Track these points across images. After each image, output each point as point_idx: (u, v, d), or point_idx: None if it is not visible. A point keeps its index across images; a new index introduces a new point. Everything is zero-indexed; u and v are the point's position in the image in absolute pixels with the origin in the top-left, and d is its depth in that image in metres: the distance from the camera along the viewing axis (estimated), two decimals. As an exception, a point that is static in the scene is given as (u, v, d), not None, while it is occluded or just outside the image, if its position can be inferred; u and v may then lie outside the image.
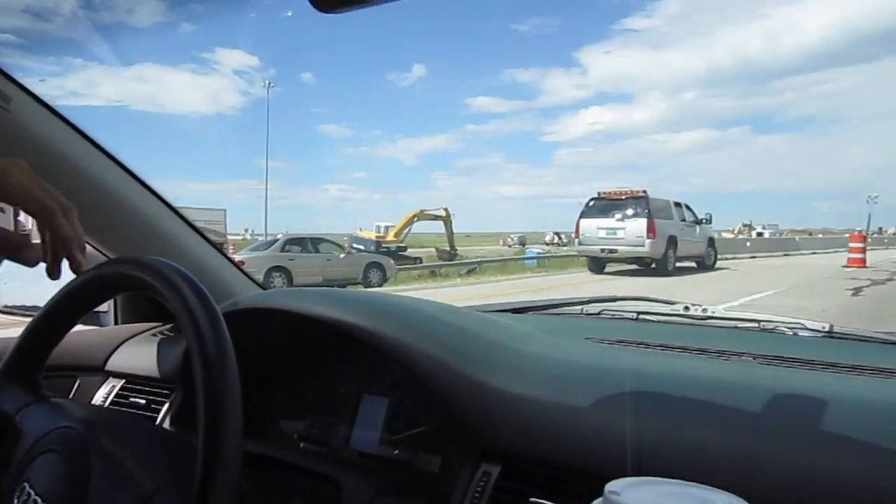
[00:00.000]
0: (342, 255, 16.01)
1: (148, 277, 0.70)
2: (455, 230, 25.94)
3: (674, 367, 0.93)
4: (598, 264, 16.77)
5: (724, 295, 10.55)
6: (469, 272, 19.53)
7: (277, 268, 14.18)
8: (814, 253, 28.82)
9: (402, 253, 26.13)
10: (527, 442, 0.79)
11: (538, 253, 24.00)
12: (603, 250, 15.98)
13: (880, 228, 70.41)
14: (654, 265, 15.97)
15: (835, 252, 27.42)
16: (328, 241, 17.09)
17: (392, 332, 0.90)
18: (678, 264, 17.09)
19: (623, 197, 16.22)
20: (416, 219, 27.26)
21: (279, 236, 17.76)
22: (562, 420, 0.79)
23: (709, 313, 1.30)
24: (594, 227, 16.22)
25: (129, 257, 0.75)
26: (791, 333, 1.20)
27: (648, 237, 15.37)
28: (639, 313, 1.36)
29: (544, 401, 0.81)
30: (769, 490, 0.65)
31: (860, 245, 19.48)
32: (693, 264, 17.96)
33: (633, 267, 16.60)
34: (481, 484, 0.79)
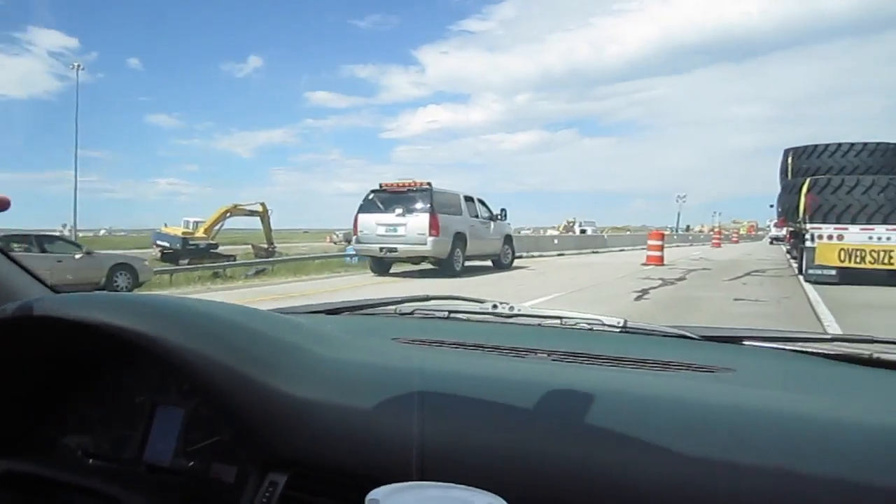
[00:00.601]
0: (78, 256, 13.28)
1: None
2: (292, 226, 23.63)
3: (465, 366, 0.94)
4: (381, 265, 14.79)
5: (506, 299, 8.73)
6: (258, 273, 17.34)
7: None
8: (622, 250, 29.03)
9: (213, 251, 24.32)
10: (316, 449, 0.78)
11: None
12: (382, 249, 14.02)
13: (688, 226, 75.45)
14: (439, 265, 14.32)
15: (642, 249, 27.97)
16: (64, 239, 14.50)
17: (175, 337, 0.86)
18: (471, 263, 15.61)
19: (405, 189, 14.31)
20: (228, 214, 25.56)
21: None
22: (352, 425, 0.78)
23: (515, 311, 1.32)
24: (373, 224, 14.16)
25: None
26: (589, 329, 1.26)
27: (431, 234, 13.60)
28: (450, 312, 1.39)
29: (336, 405, 0.80)
30: (543, 488, 0.67)
31: (658, 243, 19.15)
32: (489, 263, 16.59)
33: (429, 267, 14.85)
34: (267, 494, 0.79)
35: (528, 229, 73.30)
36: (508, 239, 17.04)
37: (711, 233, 49.09)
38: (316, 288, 12.58)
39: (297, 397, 0.82)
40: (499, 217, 16.55)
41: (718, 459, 0.65)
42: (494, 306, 1.36)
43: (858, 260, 12.50)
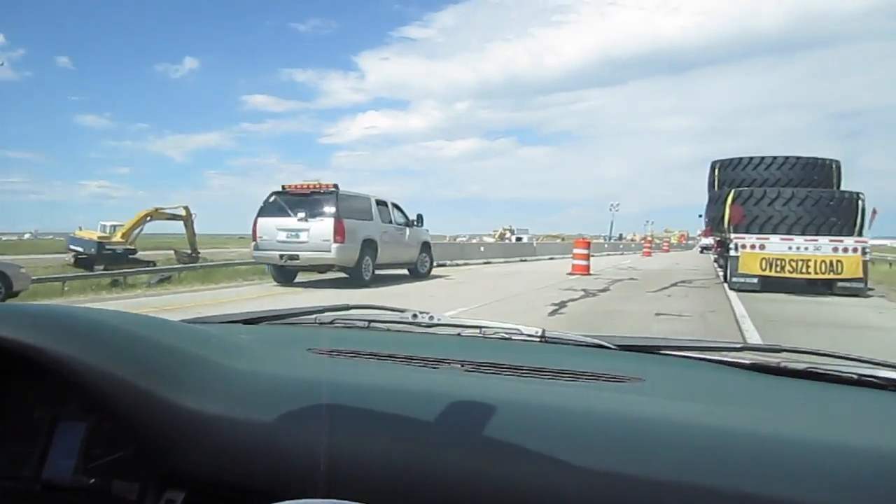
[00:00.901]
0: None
1: None
2: (229, 231, 22.06)
3: (376, 378, 0.94)
4: (284, 273, 13.51)
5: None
6: (161, 281, 15.82)
7: None
8: (551, 258, 28.37)
9: (131, 256, 22.81)
10: (216, 465, 0.76)
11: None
12: (282, 256, 12.74)
13: (621, 235, 75.95)
14: (348, 274, 13.16)
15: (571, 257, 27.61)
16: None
17: (66, 349, 0.82)
18: (385, 272, 14.50)
19: (308, 192, 13.04)
20: (149, 218, 24.18)
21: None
22: (255, 439, 0.76)
23: (435, 320, 1.32)
24: (273, 228, 12.85)
25: None
26: (509, 339, 1.26)
27: (336, 241, 12.40)
28: (370, 322, 1.38)
29: (239, 419, 0.78)
30: (444, 502, 0.67)
31: (584, 252, 18.47)
32: (405, 272, 15.51)
33: (341, 275, 13.63)
34: None
35: (464, 236, 73.09)
36: (426, 246, 15.97)
37: (643, 241, 49.37)
38: (197, 300, 11.25)
39: (198, 411, 0.78)
40: (415, 223, 15.46)
41: (614, 471, 0.65)
42: (414, 316, 1.36)
43: (779, 269, 13.04)
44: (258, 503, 0.69)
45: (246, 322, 1.38)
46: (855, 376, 0.99)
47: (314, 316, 1.44)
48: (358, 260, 12.87)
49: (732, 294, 12.56)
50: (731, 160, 15.78)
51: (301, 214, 12.65)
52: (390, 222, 14.47)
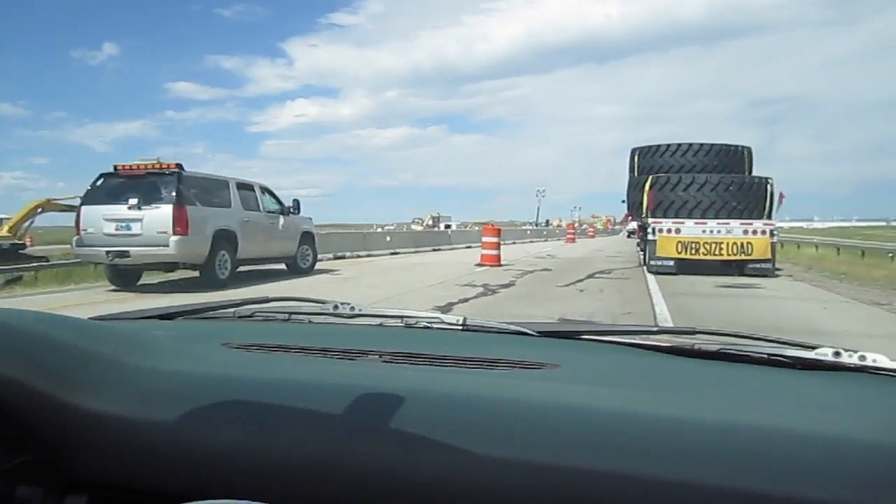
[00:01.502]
0: None
1: None
2: None
3: (288, 372, 0.91)
4: (121, 275, 10.95)
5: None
6: (9, 283, 13.00)
7: None
8: (468, 247, 26.33)
9: (20, 251, 19.87)
10: (119, 468, 0.75)
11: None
12: (109, 253, 10.18)
13: (547, 220, 74.79)
14: (199, 272, 10.79)
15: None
16: None
17: None
18: (254, 268, 12.22)
19: (144, 173, 10.49)
20: (40, 210, 20.99)
21: None
22: (160, 440, 0.74)
23: (357, 311, 1.31)
24: (100, 219, 10.30)
25: None
26: (430, 328, 1.26)
27: (176, 232, 9.99)
28: (290, 314, 1.36)
29: (143, 420, 0.76)
30: (352, 498, 0.67)
31: (493, 240, 16.53)
32: (282, 266, 13.24)
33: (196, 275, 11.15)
34: None
35: (392, 225, 71.42)
36: (307, 237, 13.65)
37: (567, 228, 48.17)
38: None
39: (97, 413, 0.75)
40: (291, 210, 13.13)
41: (522, 460, 0.65)
42: (336, 307, 1.33)
43: (694, 251, 13.72)
44: None
45: (161, 317, 1.34)
46: (765, 356, 1.00)
47: (233, 309, 1.38)
48: (209, 255, 10.49)
49: (654, 287, 10.94)
50: (650, 147, 16.25)
51: (133, 201, 10.11)
52: (258, 209, 12.11)
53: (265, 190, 12.65)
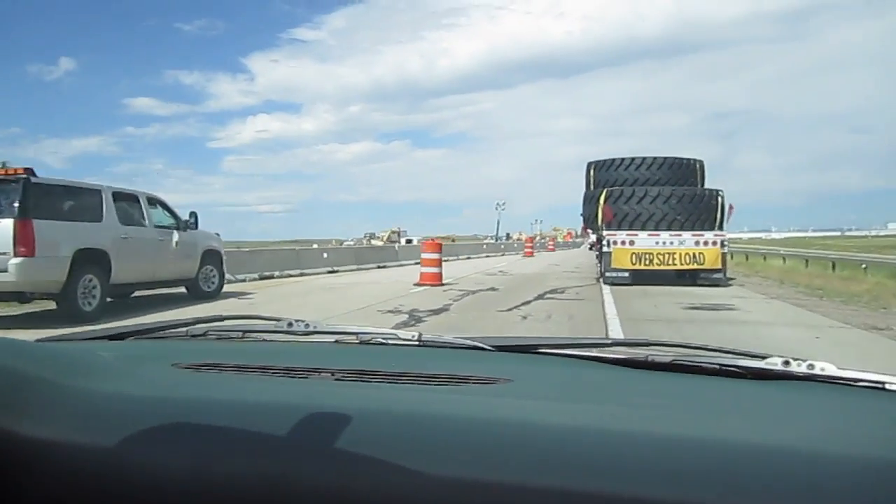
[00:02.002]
0: None
1: None
2: None
3: (237, 392, 0.90)
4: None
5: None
6: None
7: None
8: (417, 263, 24.56)
9: None
10: (57, 494, 0.73)
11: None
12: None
13: (508, 234, 72.85)
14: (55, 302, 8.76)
15: (452, 260, 23.91)
16: None
17: None
18: (146, 293, 10.25)
19: None
20: None
21: None
22: (101, 465, 0.72)
23: (311, 328, 1.28)
24: (-74, 238, 8.30)
25: None
26: (386, 344, 1.25)
27: (19, 253, 8.02)
28: (244, 332, 1.33)
29: (83, 444, 0.74)
30: None
31: (434, 257, 14.82)
32: (182, 290, 11.26)
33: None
34: None
35: (352, 241, 69.66)
36: (212, 256, 11.64)
37: (526, 241, 46.67)
38: None
39: (38, 438, 0.73)
40: (190, 224, 11.15)
41: (470, 478, 0.65)
42: (290, 324, 1.30)
43: (647, 262, 14.03)
44: None
45: (111, 338, 1.29)
46: (717, 366, 1.01)
47: (186, 329, 1.34)
48: (68, 281, 8.46)
49: (611, 310, 9.36)
50: (605, 161, 16.48)
51: (-34, 215, 8.11)
52: (143, 224, 10.12)
53: (155, 201, 10.66)
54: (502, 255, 36.85)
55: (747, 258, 25.81)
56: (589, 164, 16.96)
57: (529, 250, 36.41)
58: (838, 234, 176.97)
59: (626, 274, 13.90)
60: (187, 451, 0.72)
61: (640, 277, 13.88)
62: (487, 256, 34.18)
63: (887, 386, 0.91)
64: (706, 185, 16.20)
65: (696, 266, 13.91)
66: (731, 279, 15.04)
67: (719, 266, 13.96)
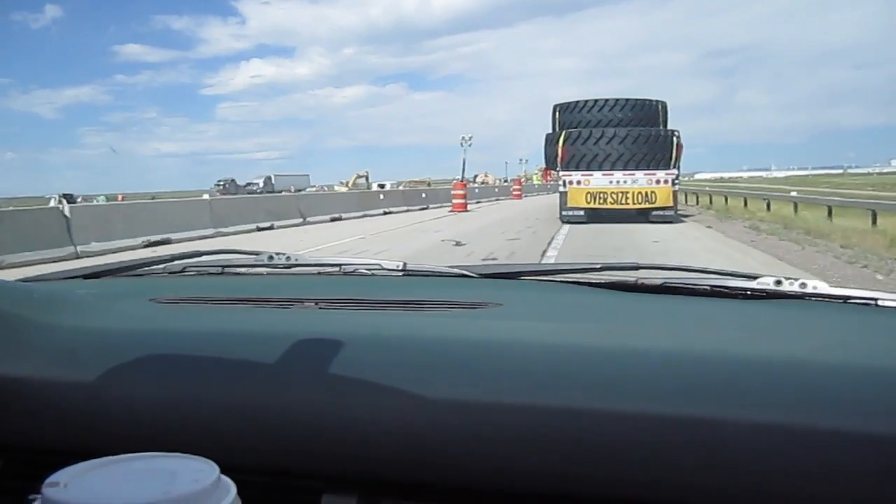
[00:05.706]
0: None
1: None
2: (108, 191, 16.49)
3: (221, 323, 0.89)
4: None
5: None
6: None
7: None
8: (442, 205, 23.89)
9: None
10: (33, 430, 0.73)
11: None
12: None
13: (475, 176, 63.98)
14: None
15: (404, 211, 22.09)
16: None
17: None
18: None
19: None
20: None
21: None
22: (77, 399, 0.72)
23: (292, 261, 1.26)
24: None
25: None
26: (370, 274, 1.23)
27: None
28: (224, 267, 1.31)
29: (58, 380, 0.73)
30: (279, 444, 0.65)
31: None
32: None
33: None
34: None
35: (314, 186, 58.11)
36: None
37: (506, 183, 44.20)
38: None
39: (15, 376, 0.73)
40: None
41: (467, 399, 0.64)
42: (270, 257, 1.27)
43: (602, 201, 14.52)
44: None
45: (87, 277, 1.27)
46: (707, 288, 0.99)
47: (163, 265, 1.31)
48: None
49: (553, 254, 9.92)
50: (570, 103, 16.80)
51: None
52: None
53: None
54: (424, 208, 24.56)
55: (746, 204, 20.79)
56: (554, 107, 17.26)
57: (518, 192, 35.74)
58: (840, 171, 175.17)
59: (582, 213, 14.48)
60: (169, 382, 0.71)
61: (595, 216, 14.41)
62: (408, 211, 23.03)
63: (879, 302, 0.91)
64: (669, 126, 16.37)
65: (647, 205, 14.49)
66: (685, 217, 15.70)
67: (671, 204, 14.56)
